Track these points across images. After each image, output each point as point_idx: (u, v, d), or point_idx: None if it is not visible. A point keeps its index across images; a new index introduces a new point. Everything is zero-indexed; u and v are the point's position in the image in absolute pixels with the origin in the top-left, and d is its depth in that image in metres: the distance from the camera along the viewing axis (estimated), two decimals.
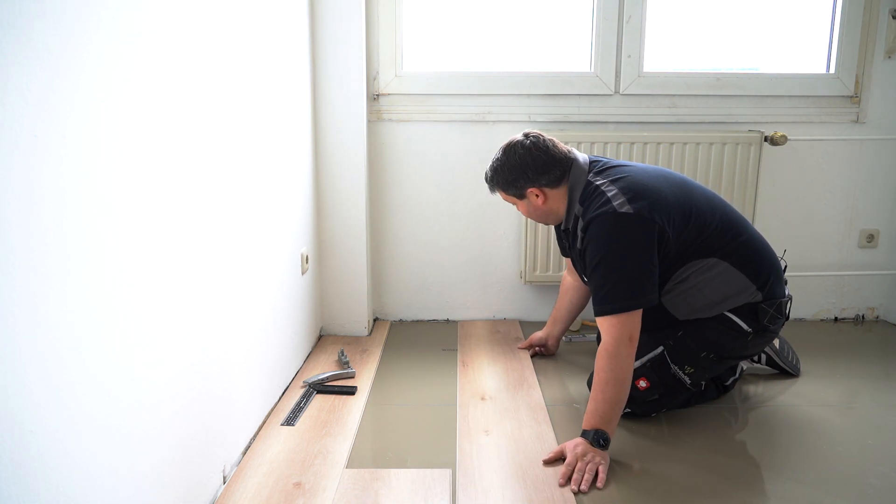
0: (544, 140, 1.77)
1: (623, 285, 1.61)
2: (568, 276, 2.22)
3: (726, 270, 1.73)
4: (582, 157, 1.79)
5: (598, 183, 1.71)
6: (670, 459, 1.61)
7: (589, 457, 1.53)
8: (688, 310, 1.77)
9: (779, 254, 1.88)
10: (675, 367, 1.76)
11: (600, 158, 1.82)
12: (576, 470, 1.51)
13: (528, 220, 2.46)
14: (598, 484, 1.49)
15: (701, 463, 1.60)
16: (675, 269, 1.73)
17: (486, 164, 1.86)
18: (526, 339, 2.36)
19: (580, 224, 1.72)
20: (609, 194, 1.66)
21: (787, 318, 1.81)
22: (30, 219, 0.82)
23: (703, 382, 1.86)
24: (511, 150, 1.78)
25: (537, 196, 1.79)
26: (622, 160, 1.87)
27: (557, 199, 1.79)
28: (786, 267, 1.88)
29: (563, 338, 2.43)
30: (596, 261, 1.64)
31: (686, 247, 1.71)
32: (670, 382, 1.77)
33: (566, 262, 2.21)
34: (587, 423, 1.59)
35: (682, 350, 1.76)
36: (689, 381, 1.78)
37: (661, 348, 1.77)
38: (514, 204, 1.87)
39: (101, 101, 0.97)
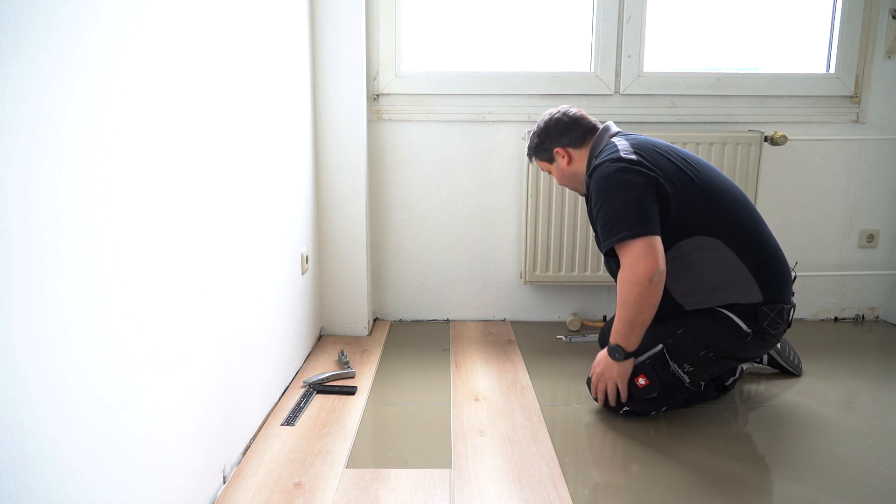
0: (572, 109, 1.96)
1: (626, 217, 1.69)
2: None
3: (730, 257, 1.75)
4: (614, 128, 1.91)
5: (614, 140, 1.84)
6: (670, 459, 1.61)
7: (602, 371, 1.78)
8: (686, 288, 1.78)
9: (790, 265, 1.89)
10: (675, 365, 1.76)
11: (631, 133, 1.91)
12: (594, 387, 1.81)
13: (529, 219, 2.47)
14: (621, 398, 1.78)
15: (701, 463, 1.60)
16: (679, 239, 1.76)
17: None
18: (518, 339, 2.35)
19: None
20: (618, 146, 1.79)
21: (790, 324, 1.81)
22: (29, 219, 0.82)
23: (703, 382, 1.87)
24: (542, 119, 1.97)
25: (563, 157, 1.93)
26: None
27: (582, 160, 1.91)
28: (795, 278, 1.88)
29: (563, 338, 2.43)
30: (599, 203, 1.75)
31: (692, 214, 1.75)
32: (669, 381, 1.77)
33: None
34: (611, 339, 1.77)
35: (682, 348, 1.76)
36: (687, 380, 1.78)
37: (660, 346, 1.77)
38: (549, 172, 2.03)
39: (100, 101, 0.97)
